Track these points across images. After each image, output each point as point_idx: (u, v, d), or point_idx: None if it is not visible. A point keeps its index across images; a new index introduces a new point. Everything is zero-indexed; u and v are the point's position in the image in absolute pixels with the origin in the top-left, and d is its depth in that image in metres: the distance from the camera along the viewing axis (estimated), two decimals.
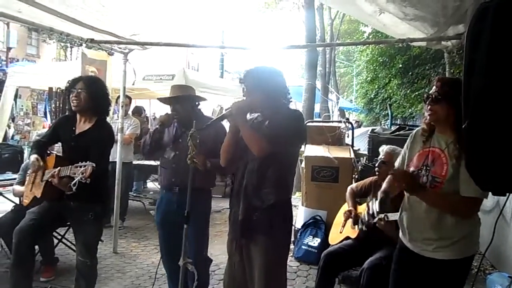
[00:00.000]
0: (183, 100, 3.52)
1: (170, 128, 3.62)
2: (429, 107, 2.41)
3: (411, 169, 2.50)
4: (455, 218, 2.34)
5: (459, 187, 2.28)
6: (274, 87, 2.66)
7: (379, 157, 3.96)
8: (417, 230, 2.46)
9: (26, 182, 3.68)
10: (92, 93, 3.34)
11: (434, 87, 2.42)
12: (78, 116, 3.42)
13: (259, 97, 2.62)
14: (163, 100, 3.71)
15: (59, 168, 3.10)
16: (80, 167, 2.93)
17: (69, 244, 4.69)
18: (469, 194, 2.24)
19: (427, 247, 2.40)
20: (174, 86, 3.73)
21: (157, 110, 12.11)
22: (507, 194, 2.01)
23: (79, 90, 3.31)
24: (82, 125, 3.40)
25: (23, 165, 4.89)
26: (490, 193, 2.07)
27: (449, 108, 2.33)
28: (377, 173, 3.95)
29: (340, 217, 4.24)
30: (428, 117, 2.43)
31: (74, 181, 2.88)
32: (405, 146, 2.67)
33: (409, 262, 2.49)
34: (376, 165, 3.98)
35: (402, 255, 2.56)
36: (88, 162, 2.94)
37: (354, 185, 4.34)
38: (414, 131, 2.66)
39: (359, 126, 14.24)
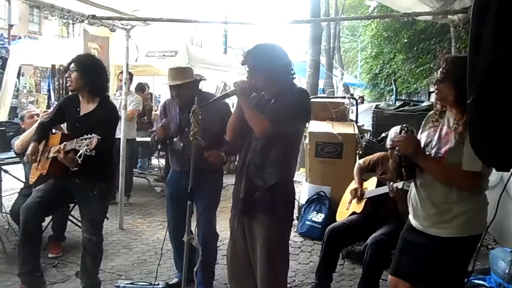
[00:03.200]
0: (185, 86, 3.44)
1: (173, 114, 3.59)
2: (435, 86, 2.42)
3: None
4: (460, 194, 2.33)
5: (458, 164, 2.27)
6: (276, 65, 2.61)
7: (387, 143, 3.89)
8: (420, 207, 2.45)
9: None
10: (83, 72, 3.29)
11: (441, 66, 2.41)
12: (80, 96, 3.40)
13: (262, 78, 2.60)
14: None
15: (64, 143, 3.10)
16: (85, 139, 2.92)
17: (75, 221, 4.74)
18: (470, 168, 2.23)
19: (429, 222, 2.40)
20: (172, 70, 3.58)
21: (160, 87, 12.05)
22: (511, 169, 2.00)
23: (71, 70, 3.30)
24: (86, 106, 3.38)
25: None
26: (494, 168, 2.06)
27: (451, 88, 2.32)
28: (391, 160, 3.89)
29: (347, 195, 4.27)
30: (436, 96, 2.45)
31: (79, 153, 2.88)
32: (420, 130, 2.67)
33: (415, 241, 2.49)
34: (389, 153, 3.90)
35: (409, 234, 2.56)
36: (93, 134, 2.92)
37: (361, 160, 4.33)
38: (428, 115, 2.65)
39: (361, 102, 14.18)
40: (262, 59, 2.60)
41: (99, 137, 2.91)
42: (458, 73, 2.24)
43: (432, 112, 2.60)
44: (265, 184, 2.58)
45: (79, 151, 2.90)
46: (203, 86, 3.70)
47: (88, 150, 2.87)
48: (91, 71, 3.34)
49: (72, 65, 3.31)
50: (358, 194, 3.97)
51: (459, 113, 2.33)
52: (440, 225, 2.37)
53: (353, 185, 4.16)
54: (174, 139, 3.53)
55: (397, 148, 2.49)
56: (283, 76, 2.65)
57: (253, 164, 2.62)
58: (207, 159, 3.23)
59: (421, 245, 2.45)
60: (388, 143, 3.83)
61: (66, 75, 3.34)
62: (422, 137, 2.53)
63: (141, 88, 8.92)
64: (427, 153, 2.42)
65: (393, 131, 3.78)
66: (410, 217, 2.57)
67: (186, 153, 3.34)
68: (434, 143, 2.42)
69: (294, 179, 2.80)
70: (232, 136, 2.80)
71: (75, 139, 3.01)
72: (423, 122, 2.64)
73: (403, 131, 2.53)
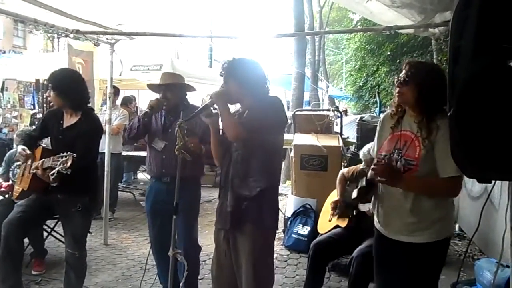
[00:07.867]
0: (174, 88, 3.52)
1: (157, 116, 3.60)
2: (397, 89, 2.43)
3: (382, 153, 2.49)
4: (432, 200, 2.34)
5: (434, 168, 2.28)
6: (250, 76, 2.71)
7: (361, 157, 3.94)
8: (395, 216, 2.43)
9: (16, 175, 3.66)
10: (59, 90, 3.30)
11: (403, 70, 2.43)
12: (63, 110, 3.41)
13: (235, 86, 2.69)
14: (153, 87, 3.71)
15: (43, 160, 3.09)
16: (61, 157, 2.92)
17: (59, 236, 4.67)
18: (448, 174, 2.23)
19: (405, 231, 2.38)
20: (165, 74, 3.75)
21: (146, 101, 11.99)
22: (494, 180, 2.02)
23: (49, 88, 3.33)
24: (69, 119, 3.38)
25: (6, 156, 4.81)
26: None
27: (414, 90, 2.34)
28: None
29: (328, 205, 4.26)
30: (396, 99, 2.45)
31: (53, 171, 2.89)
32: (376, 134, 2.66)
33: (388, 249, 2.49)
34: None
35: (380, 244, 2.56)
36: (69, 152, 2.92)
37: (345, 170, 4.34)
38: (382, 117, 2.66)
39: (345, 114, 14.23)
40: (236, 68, 2.72)
41: (75, 155, 2.91)
42: (420, 76, 2.33)
43: (386, 114, 2.62)
44: (251, 193, 2.60)
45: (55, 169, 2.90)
46: (190, 99, 3.71)
47: (63, 169, 2.87)
48: (67, 88, 3.33)
49: (50, 83, 3.34)
50: (337, 207, 3.94)
51: (419, 115, 2.35)
52: (415, 232, 2.35)
53: (335, 194, 4.15)
54: (156, 138, 3.53)
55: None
56: (256, 88, 2.73)
57: (236, 176, 2.65)
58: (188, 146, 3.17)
59: (396, 254, 2.42)
60: (361, 157, 3.88)
61: (46, 94, 3.36)
62: (384, 144, 2.51)
63: (127, 102, 8.86)
64: (396, 161, 2.39)
65: (366, 148, 3.81)
66: (379, 227, 2.55)
67: (166, 153, 3.39)
68: (400, 150, 2.39)
69: (280, 191, 2.82)
70: (218, 160, 2.86)
71: (52, 157, 3.01)
72: (378, 126, 2.64)
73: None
